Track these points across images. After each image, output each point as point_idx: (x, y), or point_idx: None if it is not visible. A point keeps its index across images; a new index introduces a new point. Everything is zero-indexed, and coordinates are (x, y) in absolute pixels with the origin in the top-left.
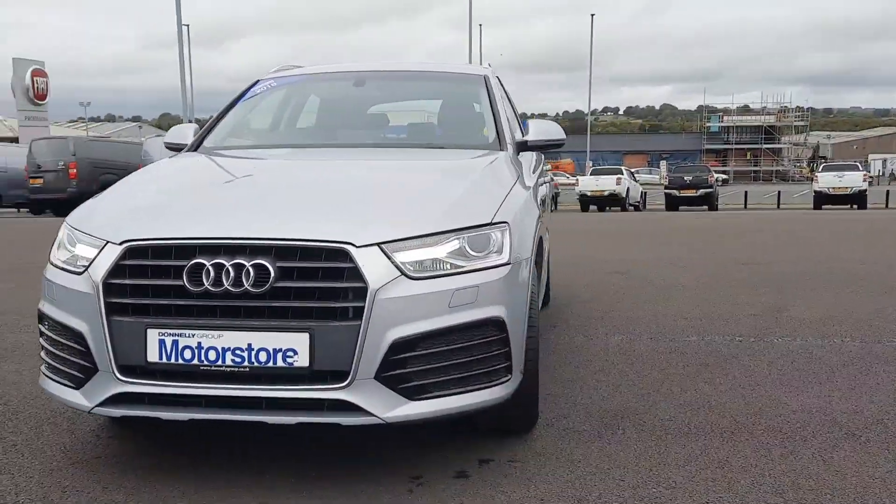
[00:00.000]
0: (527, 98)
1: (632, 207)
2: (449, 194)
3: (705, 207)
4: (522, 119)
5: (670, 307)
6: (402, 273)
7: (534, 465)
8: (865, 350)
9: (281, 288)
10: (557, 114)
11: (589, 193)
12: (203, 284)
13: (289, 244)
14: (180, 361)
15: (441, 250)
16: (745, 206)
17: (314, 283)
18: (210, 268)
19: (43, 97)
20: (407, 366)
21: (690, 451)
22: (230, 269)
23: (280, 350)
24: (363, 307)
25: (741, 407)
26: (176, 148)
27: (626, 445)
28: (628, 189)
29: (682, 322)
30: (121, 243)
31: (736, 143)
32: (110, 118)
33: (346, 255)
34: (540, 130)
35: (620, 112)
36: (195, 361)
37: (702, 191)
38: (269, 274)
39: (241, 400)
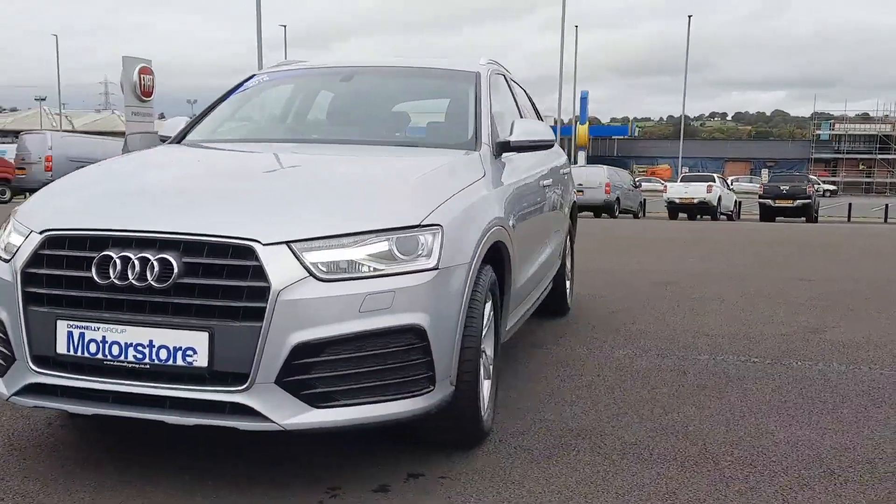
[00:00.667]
0: (630, 102)
1: (724, 217)
2: (380, 194)
3: (803, 219)
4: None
5: (696, 323)
6: (311, 274)
7: (463, 483)
8: (890, 380)
9: (184, 284)
10: (661, 118)
11: (677, 201)
12: (110, 277)
13: (195, 239)
14: (86, 355)
15: (360, 251)
16: (849, 219)
17: (218, 280)
18: (117, 260)
19: (149, 94)
20: (311, 371)
21: (640, 480)
22: (136, 262)
23: (180, 348)
24: (265, 308)
25: (719, 435)
26: (164, 140)
27: (573, 468)
28: (720, 197)
29: (702, 339)
30: (41, 232)
31: (847, 153)
32: None
33: (251, 253)
34: (524, 131)
35: (729, 118)
36: (99, 355)
37: (799, 201)
38: (173, 269)
39: (145, 398)
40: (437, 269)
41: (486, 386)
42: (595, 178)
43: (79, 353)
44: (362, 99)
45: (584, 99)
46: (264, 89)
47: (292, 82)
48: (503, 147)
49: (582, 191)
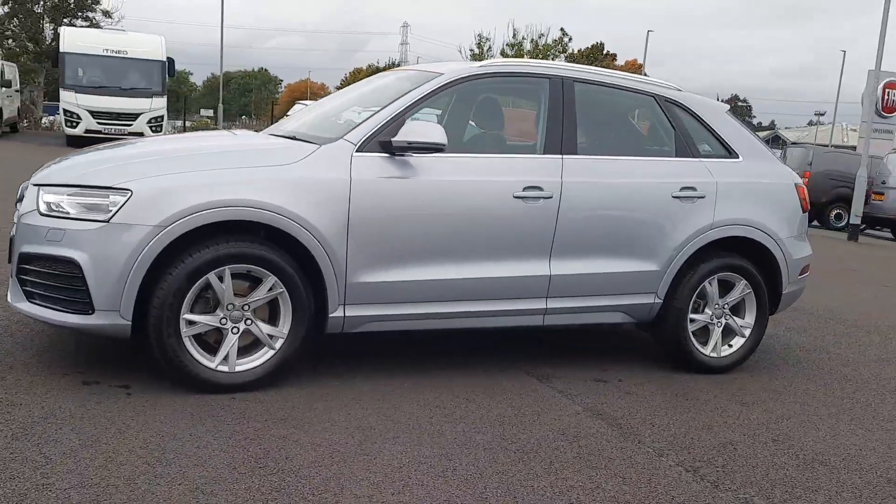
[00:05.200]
0: None
1: None
2: (125, 162)
3: None
4: None
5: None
6: (37, 208)
7: (132, 401)
8: None
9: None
10: None
11: None
12: None
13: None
14: None
15: (68, 199)
16: None
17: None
18: None
19: (892, 110)
20: (26, 274)
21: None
22: None
23: None
24: (15, 225)
25: None
26: None
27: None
28: None
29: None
30: None
31: None
32: None
33: (26, 189)
34: (409, 132)
35: None
36: None
37: None
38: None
39: None
40: (108, 222)
41: (232, 342)
42: None
43: None
44: (344, 99)
45: None
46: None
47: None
48: (385, 147)
49: None
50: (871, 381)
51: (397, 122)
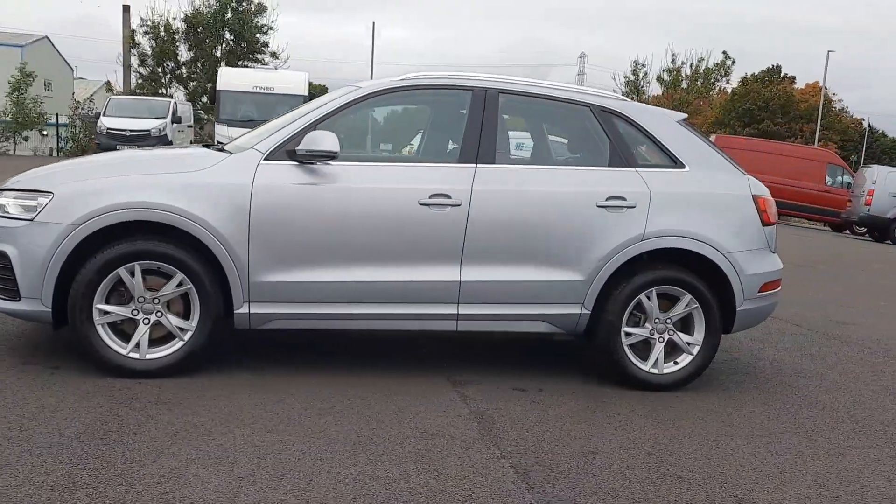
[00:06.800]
0: None
1: None
2: (61, 169)
3: None
4: None
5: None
6: None
7: (58, 377)
8: None
9: None
10: None
11: None
12: None
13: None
14: None
15: (12, 202)
16: None
17: None
18: None
19: None
20: None
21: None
22: None
23: None
24: None
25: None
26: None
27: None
28: None
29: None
30: None
31: None
32: None
33: None
34: (308, 141)
35: None
36: None
37: None
38: None
39: None
40: (32, 220)
41: (143, 331)
42: None
43: None
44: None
45: None
46: None
47: None
48: (290, 155)
49: None
50: (841, 410)
51: (306, 132)
